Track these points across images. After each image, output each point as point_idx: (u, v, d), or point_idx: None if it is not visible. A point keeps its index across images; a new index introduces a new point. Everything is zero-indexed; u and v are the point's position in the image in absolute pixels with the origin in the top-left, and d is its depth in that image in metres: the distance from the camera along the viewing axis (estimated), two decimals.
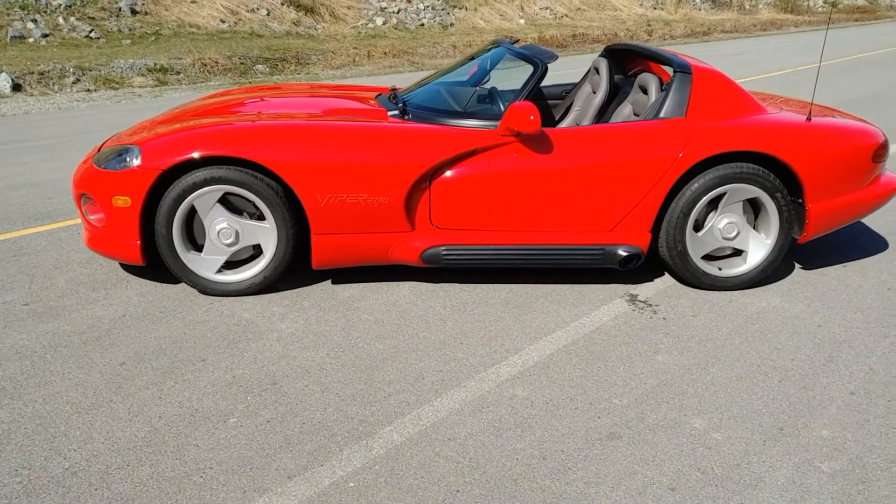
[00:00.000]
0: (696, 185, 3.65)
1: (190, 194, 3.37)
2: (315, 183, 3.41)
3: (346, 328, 3.29)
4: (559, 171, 3.58)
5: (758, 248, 3.83)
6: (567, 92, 5.18)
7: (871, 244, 4.55)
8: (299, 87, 4.90)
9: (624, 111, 4.31)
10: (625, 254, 3.69)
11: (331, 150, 3.42)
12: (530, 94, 3.70)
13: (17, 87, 10.72)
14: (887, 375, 3.02)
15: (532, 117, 3.45)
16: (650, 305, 3.66)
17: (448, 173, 3.57)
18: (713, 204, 3.80)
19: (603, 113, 4.53)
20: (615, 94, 4.58)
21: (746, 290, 3.85)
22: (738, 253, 3.94)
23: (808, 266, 4.18)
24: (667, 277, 3.99)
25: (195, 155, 3.31)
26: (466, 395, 2.78)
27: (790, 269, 4.14)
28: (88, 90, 11.08)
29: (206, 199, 3.40)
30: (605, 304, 3.67)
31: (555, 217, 3.66)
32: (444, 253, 3.64)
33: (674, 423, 2.65)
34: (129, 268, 3.90)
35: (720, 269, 3.83)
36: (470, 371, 2.96)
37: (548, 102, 5.23)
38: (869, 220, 4.94)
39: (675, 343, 3.26)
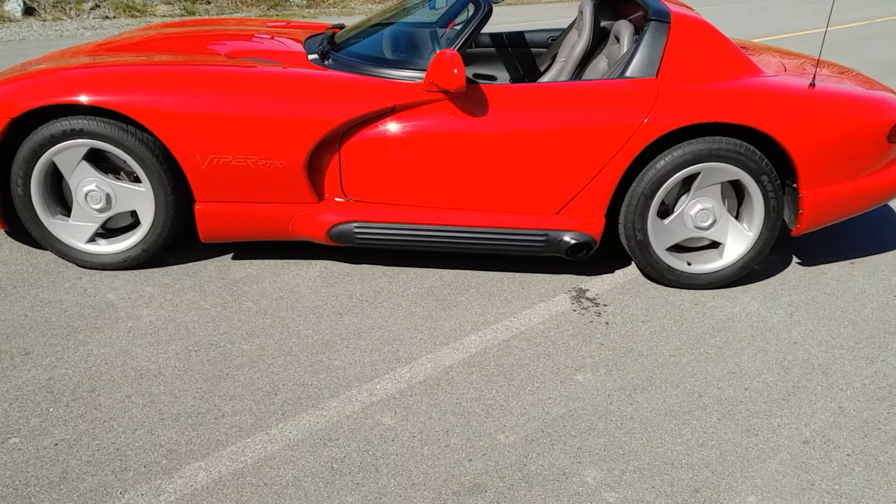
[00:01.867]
0: (661, 162, 2.99)
1: (48, 149, 2.88)
2: (193, 140, 2.89)
3: (217, 319, 2.81)
4: (494, 138, 2.97)
5: (737, 240, 3.17)
6: (553, 39, 4.47)
7: (892, 234, 3.81)
8: (229, 21, 4.31)
9: (599, 66, 3.62)
10: (573, 241, 3.08)
11: (212, 100, 2.87)
12: (469, 40, 3.06)
13: (29, 11, 10.37)
14: (857, 418, 2.40)
15: (455, 71, 2.82)
16: (597, 305, 3.06)
17: (362, 134, 3.00)
18: (687, 185, 3.14)
19: (584, 67, 3.85)
20: (599, 44, 3.88)
21: (721, 291, 3.21)
22: (714, 245, 3.29)
23: (806, 261, 3.50)
24: (632, 269, 3.37)
25: (49, 102, 2.82)
26: (318, 420, 2.28)
27: (784, 265, 3.46)
28: (106, 17, 10.68)
29: (67, 156, 2.92)
30: (545, 300, 3.09)
31: (489, 194, 3.07)
32: (357, 230, 3.10)
33: (561, 473, 2.11)
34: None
35: (690, 264, 3.19)
36: (339, 387, 2.45)
37: (531, 51, 4.54)
38: None
39: (606, 358, 2.68)
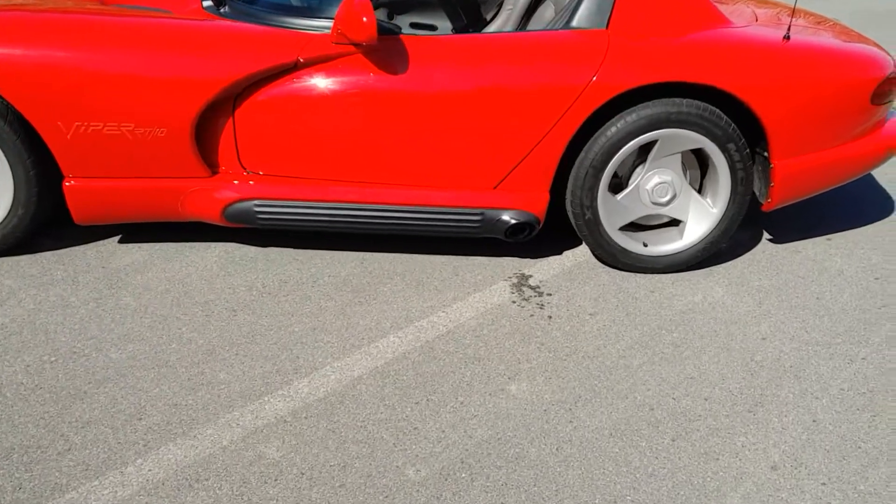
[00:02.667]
0: (613, 128, 2.57)
1: None
2: (54, 105, 2.39)
3: (87, 320, 2.36)
4: (416, 100, 2.51)
5: (700, 217, 2.77)
6: None
7: (872, 207, 3.44)
8: None
9: (545, 14, 3.15)
10: (512, 221, 2.66)
11: (75, 55, 2.37)
12: None
13: None
14: (834, 434, 2.04)
15: (365, 19, 2.35)
16: (540, 294, 2.66)
17: (261, 95, 2.53)
18: (643, 155, 2.72)
19: (531, 16, 3.38)
20: None
21: (681, 276, 2.82)
22: (674, 223, 2.89)
23: (778, 238, 3.12)
24: (582, 250, 2.97)
25: None
26: (187, 454, 1.86)
27: (752, 243, 3.08)
28: None
29: None
30: (480, 289, 2.68)
31: (413, 167, 2.62)
32: (259, 209, 2.64)
33: None
34: None
35: (646, 245, 2.79)
36: (219, 407, 2.03)
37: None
38: (879, 172, 3.80)
39: (546, 361, 2.29)
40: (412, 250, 2.92)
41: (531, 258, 2.90)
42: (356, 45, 2.43)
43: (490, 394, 2.14)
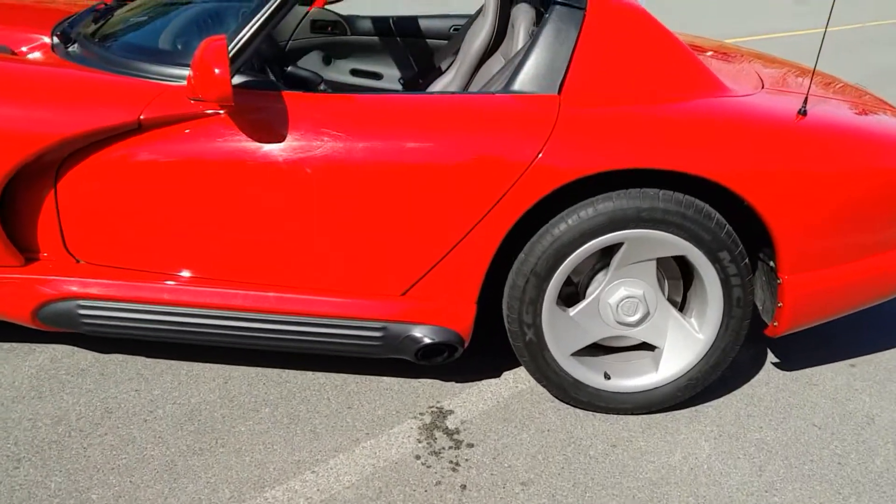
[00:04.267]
0: (562, 225, 1.88)
1: None
2: None
3: None
4: (299, 177, 1.84)
5: (682, 345, 2.06)
6: (457, 29, 3.34)
7: None
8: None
9: (493, 69, 2.49)
10: (425, 340, 1.96)
11: None
12: (269, 24, 1.90)
13: None
14: None
15: (217, 71, 1.68)
16: (457, 446, 1.94)
17: (92, 161, 1.86)
18: (606, 257, 2.03)
19: (474, 74, 2.72)
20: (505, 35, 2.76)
21: (655, 419, 2.10)
22: (647, 347, 2.18)
23: (787, 363, 2.40)
24: (515, 373, 2.26)
25: None
26: None
27: (752, 369, 2.36)
28: None
29: None
30: (376, 434, 1.96)
31: (291, 263, 1.93)
32: (84, 312, 1.96)
33: None
34: None
35: (608, 377, 2.08)
36: None
37: (430, 44, 3.41)
38: None
39: None
40: (299, 365, 2.21)
41: (457, 381, 2.19)
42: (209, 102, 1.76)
43: None
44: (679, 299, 2.13)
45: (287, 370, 2.19)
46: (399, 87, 3.34)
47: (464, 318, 1.98)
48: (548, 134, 1.83)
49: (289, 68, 2.68)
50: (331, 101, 1.88)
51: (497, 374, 2.23)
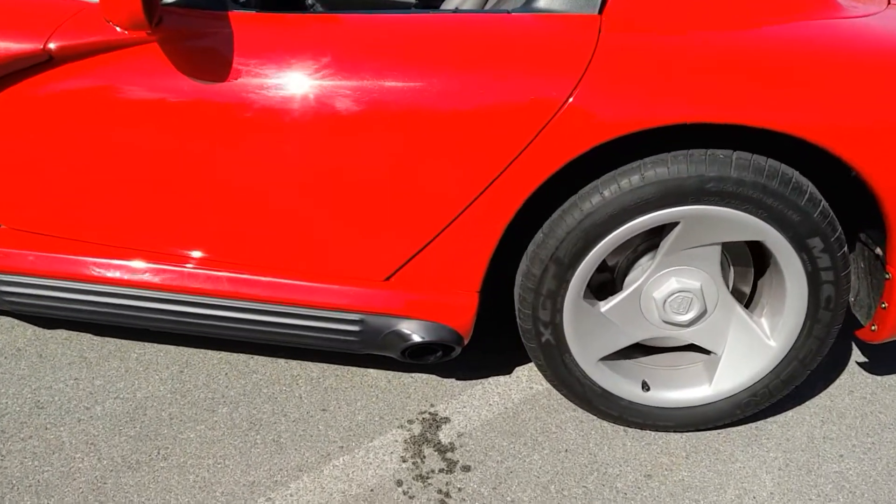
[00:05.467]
0: (597, 197, 1.40)
1: None
2: None
3: None
4: (250, 126, 1.40)
5: (746, 352, 1.59)
6: None
7: None
8: None
9: None
10: (413, 338, 1.54)
11: None
12: None
13: None
14: None
15: None
16: (449, 468, 1.54)
17: (3, 102, 1.46)
18: (650, 239, 1.55)
19: None
20: None
21: (703, 438, 1.66)
22: (699, 349, 1.71)
23: (876, 366, 1.92)
24: (531, 371, 1.83)
25: None
26: None
27: (833, 372, 1.88)
28: None
29: None
30: (351, 448, 1.58)
31: (247, 234, 1.52)
32: (2, 288, 1.60)
33: None
34: None
35: (647, 388, 1.63)
36: None
37: None
38: None
39: None
40: (269, 351, 1.83)
41: (458, 378, 1.78)
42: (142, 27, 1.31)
43: None
44: (747, 290, 1.65)
45: (255, 356, 1.82)
46: None
47: (463, 311, 1.54)
48: (582, 70, 1.33)
49: None
50: (292, 23, 1.40)
51: (507, 370, 1.82)
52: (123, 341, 1.85)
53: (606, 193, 1.39)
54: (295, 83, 1.36)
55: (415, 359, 1.59)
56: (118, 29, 1.36)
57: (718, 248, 1.48)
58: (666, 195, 1.38)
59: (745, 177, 1.36)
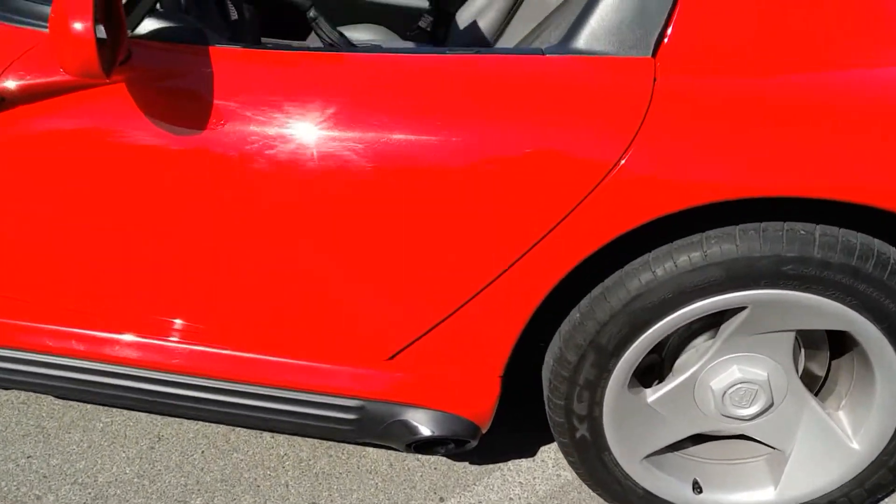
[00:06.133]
0: (647, 275, 1.14)
1: None
2: None
3: None
4: (231, 181, 1.15)
5: (821, 451, 1.32)
6: None
7: None
8: None
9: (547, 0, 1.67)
10: (421, 430, 1.29)
11: None
12: None
13: None
14: None
15: (78, 27, 0.96)
16: None
17: None
18: (708, 318, 1.29)
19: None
20: None
21: None
22: (763, 444, 1.45)
23: None
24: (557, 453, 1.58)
25: None
26: None
27: None
28: None
29: None
30: None
31: (226, 302, 1.27)
32: None
33: None
34: None
35: (699, 489, 1.37)
36: None
37: None
38: None
39: None
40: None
41: (471, 463, 1.53)
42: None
43: None
44: (821, 373, 1.39)
45: (236, 430, 1.57)
46: (425, 2, 2.50)
47: (482, 399, 1.29)
48: (635, 126, 1.07)
49: None
50: (286, 61, 1.15)
51: (530, 452, 1.56)
52: (88, 407, 1.61)
53: (659, 272, 1.13)
54: (289, 134, 1.11)
55: (422, 452, 1.34)
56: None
57: (792, 336, 1.22)
58: (733, 278, 1.12)
59: (832, 258, 1.09)
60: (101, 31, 1.00)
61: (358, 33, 2.31)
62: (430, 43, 2.33)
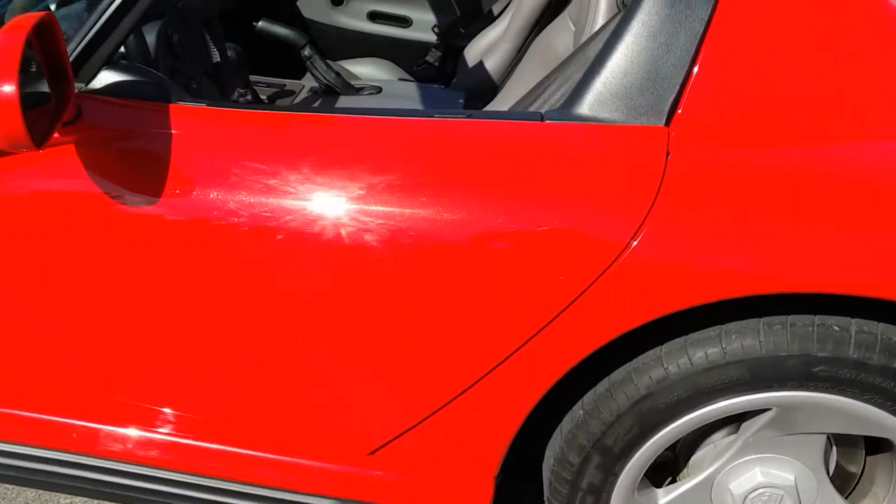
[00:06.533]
0: (659, 371, 1.01)
1: None
2: None
3: None
4: (192, 254, 1.04)
5: None
6: None
7: None
8: None
9: (555, 40, 1.55)
10: None
11: None
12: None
13: None
14: None
15: (5, 90, 0.84)
16: None
17: None
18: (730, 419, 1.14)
19: (538, 33, 1.79)
20: None
21: None
22: None
23: None
24: None
25: None
26: None
27: None
28: None
29: None
30: None
31: (186, 388, 1.15)
32: None
33: None
34: None
35: None
36: None
37: None
38: None
39: None
40: None
41: None
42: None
43: None
44: (856, 470, 1.24)
45: None
46: (433, 36, 2.41)
47: (477, 498, 1.15)
48: (646, 205, 0.94)
49: (260, 22, 1.82)
50: (249, 120, 1.04)
51: None
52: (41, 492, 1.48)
53: (672, 369, 1.00)
54: (260, 206, 0.99)
55: None
56: None
57: (823, 437, 1.08)
58: (756, 378, 0.99)
59: (871, 359, 0.96)
60: (44, 86, 0.90)
61: (363, 67, 2.22)
62: (438, 78, 2.25)
